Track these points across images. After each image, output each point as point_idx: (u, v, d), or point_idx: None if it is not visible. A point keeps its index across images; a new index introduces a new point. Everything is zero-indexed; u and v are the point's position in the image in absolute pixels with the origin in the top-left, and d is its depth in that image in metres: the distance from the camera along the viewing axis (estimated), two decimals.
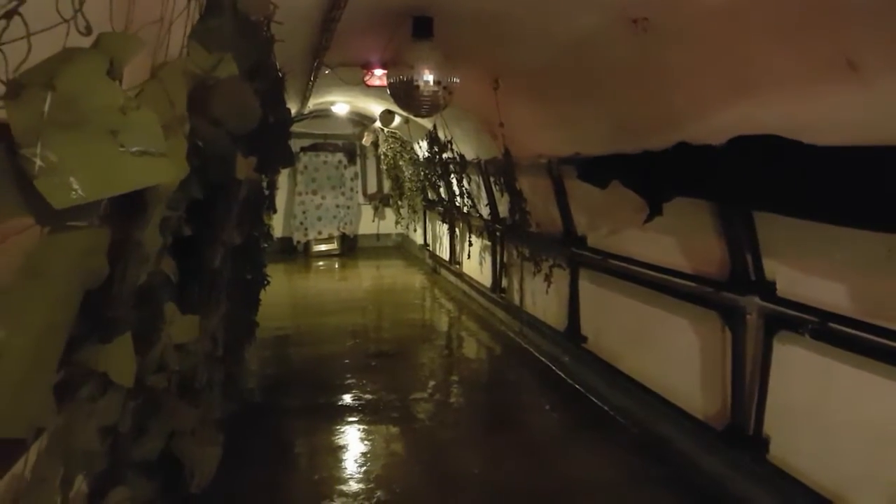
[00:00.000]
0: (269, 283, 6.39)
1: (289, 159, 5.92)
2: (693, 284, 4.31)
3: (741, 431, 3.89)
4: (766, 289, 3.66)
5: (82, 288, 1.41)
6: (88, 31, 1.19)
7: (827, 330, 3.27)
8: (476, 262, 9.73)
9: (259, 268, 6.06)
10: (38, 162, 1.09)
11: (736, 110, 3.35)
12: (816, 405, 3.46)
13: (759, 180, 3.29)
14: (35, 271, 1.18)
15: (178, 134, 1.48)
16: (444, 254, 11.60)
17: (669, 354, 4.76)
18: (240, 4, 2.12)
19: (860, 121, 2.72)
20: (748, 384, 3.84)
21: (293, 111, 9.08)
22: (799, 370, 3.55)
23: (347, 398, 5.90)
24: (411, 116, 8.27)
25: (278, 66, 5.12)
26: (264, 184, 6.42)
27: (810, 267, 3.41)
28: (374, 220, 15.46)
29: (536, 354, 7.05)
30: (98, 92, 1.14)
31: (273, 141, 5.25)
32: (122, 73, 1.22)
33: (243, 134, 3.02)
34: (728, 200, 3.65)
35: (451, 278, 11.06)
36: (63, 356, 1.78)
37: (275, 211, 7.80)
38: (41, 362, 1.21)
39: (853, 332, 3.13)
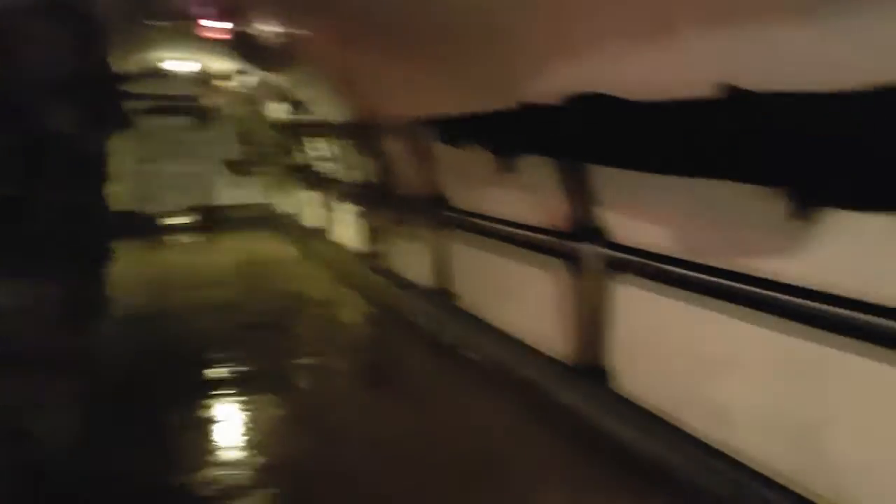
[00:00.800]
0: (114, 255, 5.94)
1: (121, 120, 5.48)
2: (543, 237, 4.59)
3: (589, 365, 4.25)
4: (602, 236, 3.98)
5: None
6: None
7: (656, 270, 3.63)
8: (346, 228, 9.61)
9: (102, 238, 5.62)
10: None
11: (569, 70, 3.54)
12: (651, 338, 3.85)
13: (590, 135, 3.55)
14: None
15: None
16: (314, 222, 11.33)
17: (528, 303, 5.06)
18: None
19: (677, 77, 2.98)
20: (593, 323, 4.19)
21: (123, 69, 8.33)
22: (635, 307, 3.92)
23: (221, 370, 5.72)
24: (260, 72, 7.88)
25: (97, 12, 4.66)
26: (99, 149, 5.89)
27: (640, 214, 3.74)
28: (232, 189, 14.60)
29: (410, 314, 7.13)
30: None
31: (98, 97, 4.76)
32: None
33: (58, 83, 2.76)
34: (565, 155, 3.90)
35: (322, 247, 10.84)
36: None
37: (107, 178, 7.18)
38: None
39: (679, 270, 3.50)
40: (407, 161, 6.62)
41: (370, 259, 8.56)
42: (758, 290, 3.03)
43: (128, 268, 6.91)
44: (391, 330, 7.15)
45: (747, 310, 3.13)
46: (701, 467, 3.39)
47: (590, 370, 4.25)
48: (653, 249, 3.68)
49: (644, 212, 3.72)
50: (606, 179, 3.83)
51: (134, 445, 4.24)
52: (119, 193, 10.96)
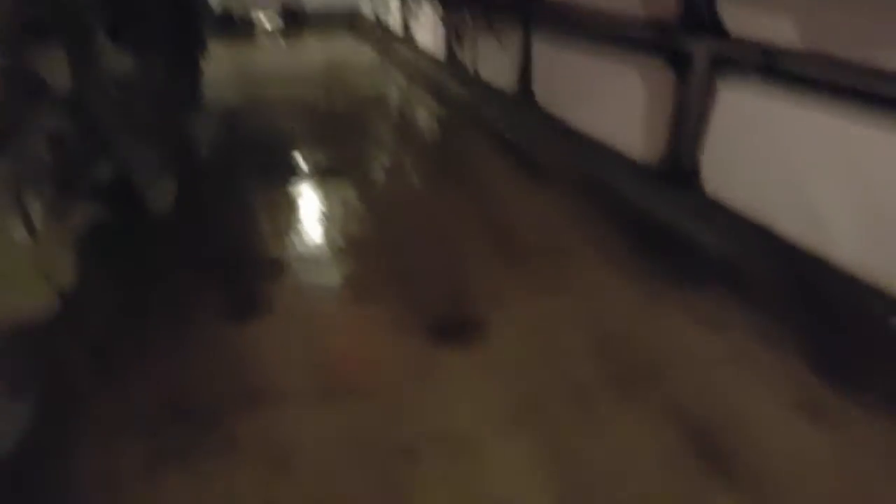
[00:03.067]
0: (205, 47, 6.08)
1: None
2: (643, 32, 4.27)
3: (678, 169, 4.14)
4: (717, 28, 3.66)
5: None
6: None
7: (774, 67, 3.34)
8: (429, 32, 9.32)
9: (196, 29, 5.74)
10: None
11: None
12: (752, 142, 3.65)
13: None
14: None
15: None
16: (397, 26, 11.03)
17: (617, 104, 4.84)
18: None
19: None
20: (689, 125, 4.00)
21: None
22: (740, 109, 3.68)
23: (302, 163, 5.99)
24: None
25: None
26: None
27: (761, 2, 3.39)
28: None
29: (488, 118, 7.09)
30: None
31: None
32: None
33: None
34: None
35: (404, 51, 10.64)
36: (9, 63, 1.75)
37: None
38: None
39: (798, 67, 3.20)
40: None
41: (450, 62, 8.35)
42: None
43: (219, 65, 7.13)
44: (465, 131, 7.14)
45: (870, 111, 2.89)
46: (789, 271, 3.39)
47: (679, 174, 4.15)
48: (772, 43, 3.36)
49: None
50: None
51: (223, 216, 4.67)
52: None
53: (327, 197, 5.22)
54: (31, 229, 1.90)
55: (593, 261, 4.01)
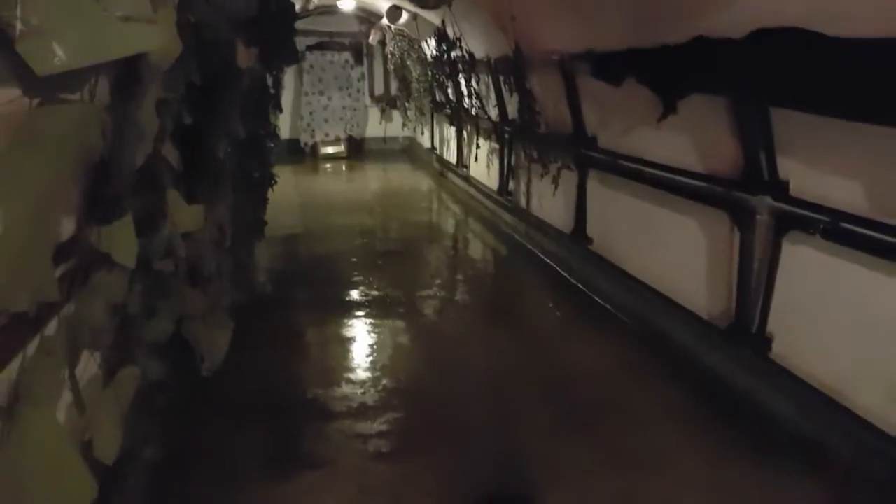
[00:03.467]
0: (276, 182, 6.38)
1: (293, 56, 5.76)
2: (704, 184, 4.24)
3: (744, 329, 3.94)
4: (779, 188, 3.60)
5: (77, 161, 1.40)
6: None
7: (838, 229, 3.23)
8: (483, 164, 9.61)
9: (266, 166, 6.03)
10: (19, 25, 1.04)
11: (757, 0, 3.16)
12: (822, 304, 3.48)
13: (778, 75, 3.16)
14: (26, 142, 1.15)
15: (167, 3, 1.41)
16: (452, 157, 11.46)
17: (677, 255, 4.76)
18: None
19: (885, 11, 2.56)
20: (754, 283, 3.86)
21: (297, 6, 8.71)
22: (806, 270, 3.55)
23: (355, 293, 6.02)
24: (419, 11, 7.91)
25: None
26: (269, 81, 6.27)
27: (824, 165, 3.33)
28: (381, 123, 15.16)
29: (541, 256, 7.09)
30: None
31: (276, 35, 5.07)
32: None
33: (244, 22, 2.91)
34: (746, 96, 3.52)
35: (458, 181, 10.97)
36: (70, 238, 1.78)
37: (281, 110, 7.67)
38: (39, 234, 1.21)
39: (864, 231, 3.09)
40: (553, 98, 6.38)
41: (504, 196, 8.52)
42: None
43: (283, 191, 7.45)
44: (518, 267, 7.15)
45: None
46: (868, 452, 3.09)
47: (745, 334, 3.95)
48: (834, 205, 3.28)
49: (831, 163, 3.30)
50: (788, 124, 3.43)
51: (274, 356, 4.63)
52: (282, 122, 11.80)
53: (379, 333, 5.18)
54: (79, 406, 1.87)
55: (660, 426, 3.75)
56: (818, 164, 3.37)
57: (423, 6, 5.73)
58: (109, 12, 1.11)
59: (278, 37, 4.99)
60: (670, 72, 4.02)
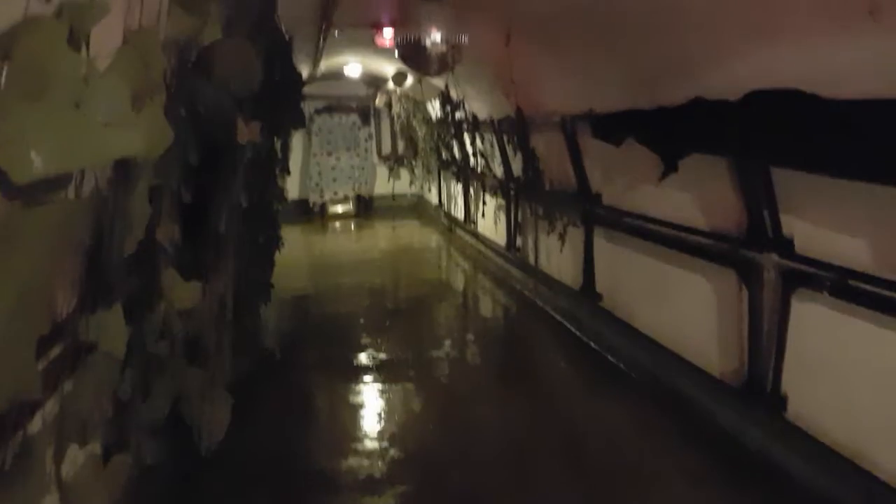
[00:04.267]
0: (283, 244, 6.41)
1: (300, 121, 5.87)
2: (709, 241, 4.21)
3: (758, 388, 3.84)
4: (784, 245, 3.56)
5: (63, 256, 1.40)
6: None
7: (846, 286, 3.18)
8: (491, 221, 9.64)
9: (272, 229, 6.07)
10: None
11: (753, 60, 3.20)
12: (835, 362, 3.40)
13: (776, 135, 3.17)
14: (6, 243, 1.15)
15: (155, 101, 1.44)
16: (459, 213, 11.51)
17: (685, 311, 4.69)
18: None
19: (882, 72, 2.58)
20: (765, 341, 3.78)
21: (305, 74, 8.95)
22: (817, 327, 3.48)
23: (363, 357, 5.96)
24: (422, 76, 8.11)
25: (284, 29, 5.01)
26: (277, 145, 6.39)
27: (829, 222, 3.30)
28: (389, 181, 15.33)
29: (551, 312, 7.02)
30: (59, 61, 1.09)
31: (284, 102, 5.19)
32: (86, 41, 1.16)
33: (247, 96, 2.96)
34: (745, 156, 3.53)
35: (467, 238, 11.00)
36: (59, 327, 1.77)
37: (288, 173, 7.78)
38: (18, 334, 1.20)
39: (872, 288, 3.03)
40: (556, 156, 6.44)
41: (512, 252, 8.51)
42: None
43: (291, 251, 7.49)
44: (528, 324, 7.07)
45: None
46: None
47: (759, 393, 3.84)
48: (841, 262, 3.23)
49: (833, 220, 3.27)
50: (790, 182, 3.42)
51: (278, 426, 4.54)
52: (290, 183, 11.99)
53: (387, 398, 5.10)
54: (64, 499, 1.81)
55: (677, 490, 3.62)
56: (822, 221, 3.34)
57: (426, 74, 5.87)
58: (89, 119, 1.12)
59: (285, 104, 5.11)
60: (669, 132, 4.05)
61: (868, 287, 3.05)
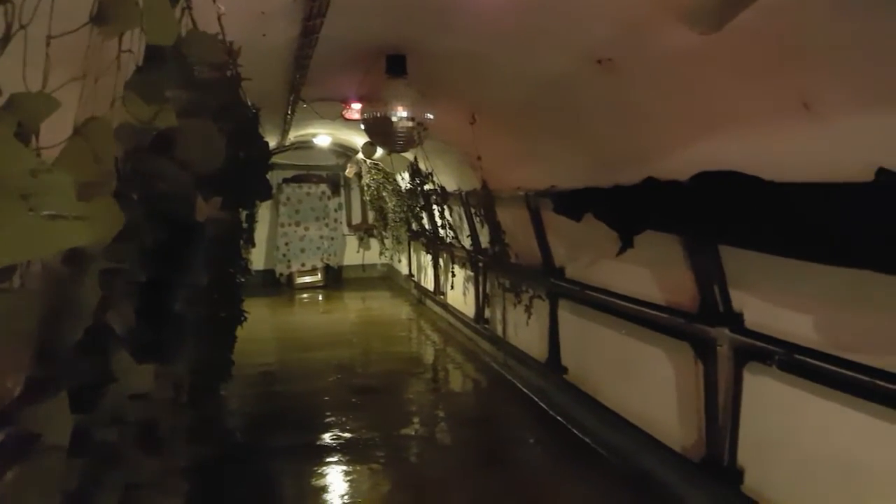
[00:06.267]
0: (245, 319, 6.32)
1: (266, 193, 5.90)
2: (666, 315, 4.30)
3: (717, 463, 3.85)
4: (735, 321, 3.66)
5: (5, 348, 1.38)
6: None
7: (794, 362, 3.26)
8: (460, 292, 9.69)
9: (235, 304, 5.99)
10: None
11: (701, 147, 3.37)
12: (788, 436, 3.44)
13: (722, 215, 3.31)
14: None
15: (105, 191, 1.46)
16: (429, 284, 11.56)
17: (647, 386, 4.73)
18: (187, 52, 2.12)
19: (816, 158, 2.74)
20: (721, 415, 3.82)
21: (273, 144, 9.08)
22: (770, 401, 3.54)
23: (328, 437, 5.79)
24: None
25: (250, 103, 5.13)
26: (243, 216, 6.40)
27: (777, 299, 3.41)
28: (358, 251, 15.39)
29: (520, 386, 6.99)
30: (6, 155, 1.11)
31: (249, 176, 5.23)
32: (36, 133, 1.20)
33: (209, 174, 2.99)
34: (694, 234, 3.67)
35: (437, 309, 11.01)
36: (2, 416, 1.72)
37: (253, 245, 7.77)
38: None
39: (820, 364, 3.12)
40: (522, 230, 6.58)
41: (481, 324, 8.52)
42: None
43: (256, 325, 7.37)
44: (498, 399, 7.00)
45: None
46: None
47: (717, 469, 3.84)
48: (791, 339, 3.32)
49: (782, 297, 3.39)
50: (738, 259, 3.55)
51: None
52: (256, 254, 11.94)
53: (353, 479, 4.94)
54: None
55: None
56: (769, 297, 3.45)
57: (392, 150, 6.02)
58: (35, 212, 1.14)
59: (251, 177, 5.15)
60: (625, 209, 4.19)
61: (815, 362, 3.14)
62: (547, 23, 3.44)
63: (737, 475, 3.72)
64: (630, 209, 4.13)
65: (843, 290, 2.94)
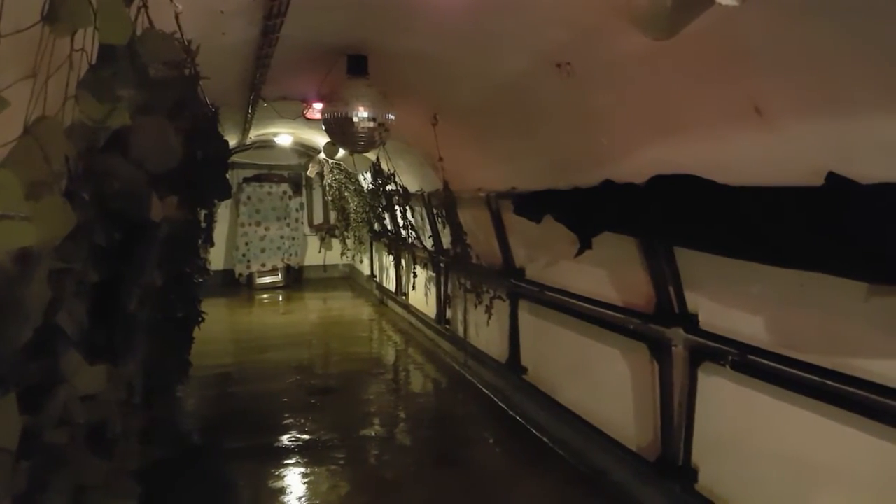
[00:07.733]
0: (203, 319, 6.21)
1: (225, 192, 5.81)
2: (623, 316, 4.39)
3: (671, 462, 3.94)
4: (689, 321, 3.76)
5: None
6: None
7: (746, 361, 3.36)
8: (422, 293, 9.70)
9: (192, 305, 5.89)
10: None
11: (656, 150, 3.45)
12: (740, 435, 3.55)
13: (676, 217, 3.40)
14: None
15: (54, 191, 1.43)
16: (391, 285, 11.54)
17: (604, 386, 4.82)
18: (142, 51, 2.09)
19: (769, 162, 2.84)
20: (676, 415, 3.92)
21: (233, 143, 8.94)
22: (723, 401, 3.64)
23: (286, 439, 5.74)
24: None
25: (209, 102, 5.05)
26: (201, 216, 6.29)
27: (730, 300, 3.52)
28: (320, 251, 15.27)
29: (480, 387, 7.04)
30: None
31: (207, 174, 5.14)
32: None
33: (164, 173, 2.95)
34: (649, 236, 3.76)
35: (398, 310, 11.00)
36: None
37: (212, 244, 7.64)
38: None
39: (771, 363, 3.22)
40: (483, 231, 6.63)
41: (443, 325, 8.56)
42: (862, 392, 2.74)
43: (215, 326, 7.26)
44: (458, 400, 7.05)
45: (851, 414, 2.83)
46: None
47: (672, 467, 3.94)
48: (744, 339, 3.42)
49: (735, 298, 3.50)
50: (693, 260, 3.65)
51: None
52: (215, 254, 11.73)
53: (313, 484, 4.90)
54: None
55: None
56: (723, 298, 3.55)
57: (353, 151, 6.00)
58: None
59: (209, 176, 5.06)
60: (583, 211, 4.27)
61: (767, 362, 3.24)
62: (506, 26, 3.48)
63: (691, 474, 3.82)
64: (588, 211, 4.20)
65: (793, 291, 3.04)
